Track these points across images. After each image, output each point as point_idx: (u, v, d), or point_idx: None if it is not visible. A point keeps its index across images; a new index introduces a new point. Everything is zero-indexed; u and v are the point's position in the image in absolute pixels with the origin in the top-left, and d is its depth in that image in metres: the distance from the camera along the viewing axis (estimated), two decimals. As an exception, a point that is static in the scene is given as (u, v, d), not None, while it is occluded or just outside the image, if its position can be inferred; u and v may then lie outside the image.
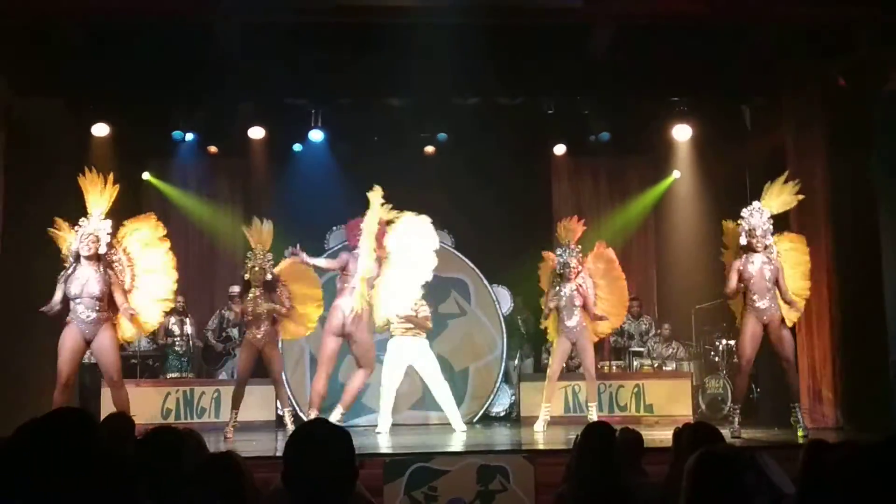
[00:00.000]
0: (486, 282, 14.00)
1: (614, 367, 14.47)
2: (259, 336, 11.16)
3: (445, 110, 13.70)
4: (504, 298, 14.48)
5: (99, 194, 9.90)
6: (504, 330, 14.15)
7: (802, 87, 11.95)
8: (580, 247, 11.87)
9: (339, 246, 12.97)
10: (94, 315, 9.59)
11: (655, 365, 14.25)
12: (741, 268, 10.32)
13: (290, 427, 11.19)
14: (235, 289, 12.79)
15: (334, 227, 14.47)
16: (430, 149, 14.68)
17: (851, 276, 11.32)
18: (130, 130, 13.38)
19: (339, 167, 14.60)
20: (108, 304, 9.73)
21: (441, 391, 11.90)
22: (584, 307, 11.63)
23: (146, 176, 15.15)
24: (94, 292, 9.53)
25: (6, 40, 10.77)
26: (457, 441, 10.68)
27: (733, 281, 10.35)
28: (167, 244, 10.30)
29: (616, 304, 12.11)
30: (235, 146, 14.48)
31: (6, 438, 2.76)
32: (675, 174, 15.60)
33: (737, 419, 10.42)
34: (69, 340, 9.57)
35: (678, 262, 15.53)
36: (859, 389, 11.19)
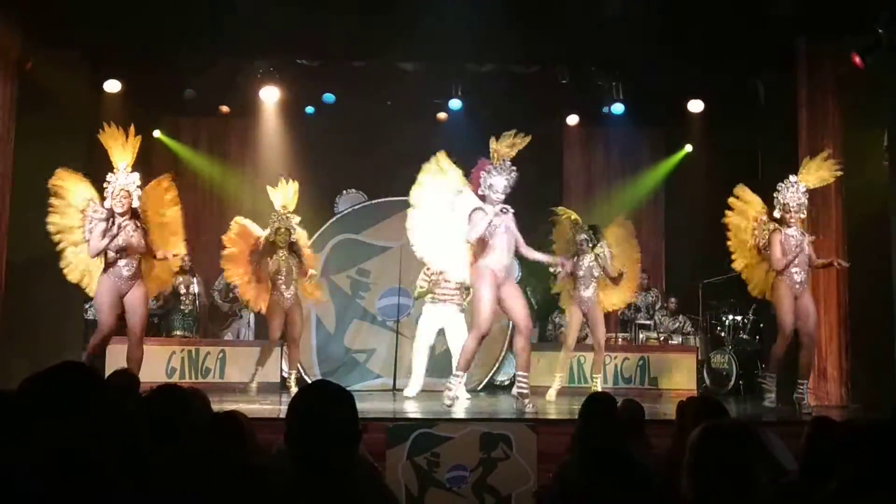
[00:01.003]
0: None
1: (620, 340, 14.48)
2: (287, 297, 11.26)
3: (459, 77, 13.65)
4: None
5: (122, 148, 9.84)
6: (511, 299, 14.12)
7: (817, 64, 11.86)
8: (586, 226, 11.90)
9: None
10: (132, 270, 9.64)
11: (661, 338, 14.26)
12: (783, 240, 10.29)
13: (294, 390, 11.25)
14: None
15: (344, 191, 14.49)
16: (442, 115, 14.64)
17: (860, 254, 11.28)
18: (143, 88, 13.34)
19: (351, 131, 14.57)
20: (140, 262, 9.78)
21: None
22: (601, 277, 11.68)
23: (157, 134, 15.13)
24: (137, 247, 9.60)
25: (21, -7, 10.74)
26: (460, 408, 10.70)
27: (778, 251, 10.27)
28: (178, 205, 10.31)
29: (628, 279, 12.09)
30: (247, 107, 14.44)
31: (11, 391, 2.77)
32: (687, 148, 15.55)
33: (773, 391, 10.48)
34: (107, 296, 9.63)
35: (687, 237, 15.49)
36: (864, 367, 11.18)
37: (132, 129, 9.99)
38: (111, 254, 9.56)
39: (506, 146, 10.29)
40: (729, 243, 10.72)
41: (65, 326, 11.83)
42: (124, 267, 9.60)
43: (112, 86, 12.87)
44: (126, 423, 2.61)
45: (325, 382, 3.21)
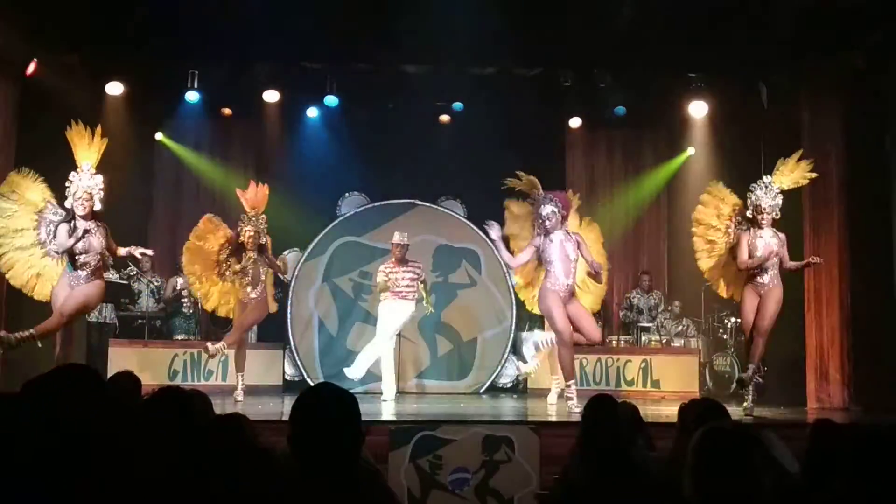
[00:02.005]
0: (497, 253, 13.97)
1: (622, 342, 14.48)
2: (253, 297, 11.14)
3: (462, 79, 13.66)
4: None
5: (87, 147, 9.78)
6: (514, 301, 14.14)
7: (821, 67, 11.87)
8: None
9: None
10: (87, 272, 9.61)
11: (663, 341, 14.26)
12: (750, 242, 10.26)
13: (239, 396, 11.14)
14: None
15: (346, 194, 14.46)
16: (445, 118, 14.64)
17: (862, 256, 11.29)
18: (145, 90, 13.35)
19: (353, 133, 14.58)
20: (102, 262, 9.77)
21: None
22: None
23: (159, 136, 15.13)
24: (95, 249, 9.54)
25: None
26: (463, 410, 10.70)
27: (744, 254, 10.25)
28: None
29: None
30: (250, 109, 14.43)
31: (13, 394, 2.77)
32: (690, 150, 15.54)
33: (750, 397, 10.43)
34: (60, 296, 9.59)
35: (690, 239, 15.45)
36: (867, 370, 11.18)
37: (99, 129, 9.94)
38: (75, 255, 9.55)
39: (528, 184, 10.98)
40: (695, 239, 10.71)
41: (65, 328, 11.81)
42: (81, 268, 9.57)
43: (114, 88, 12.88)
44: (128, 425, 2.61)
45: (328, 385, 3.21)
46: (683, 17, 11.28)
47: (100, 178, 9.67)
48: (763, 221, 10.21)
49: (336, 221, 14.14)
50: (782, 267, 10.29)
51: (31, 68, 11.36)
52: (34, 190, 9.75)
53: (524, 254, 10.84)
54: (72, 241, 9.44)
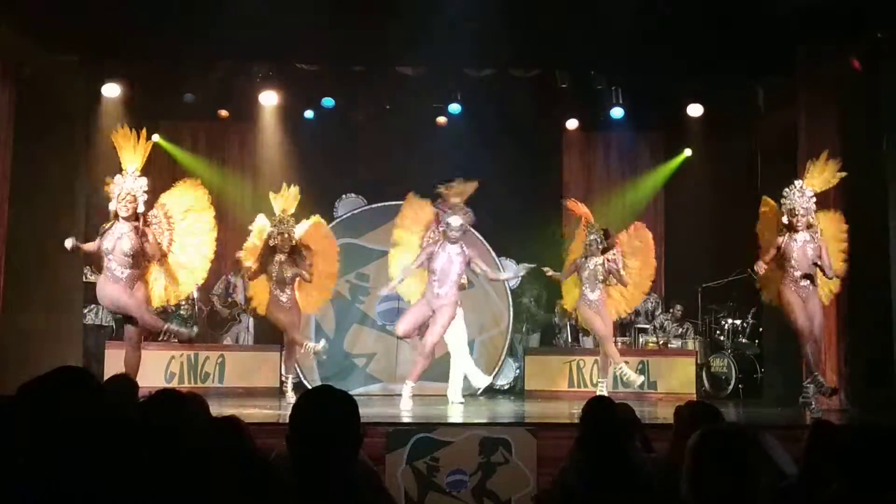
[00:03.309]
0: (493, 254, 13.97)
1: (620, 344, 14.47)
2: (283, 300, 11.20)
3: (458, 81, 13.66)
4: (511, 271, 14.47)
5: (133, 151, 9.75)
6: (511, 303, 14.15)
7: (817, 69, 11.87)
8: (597, 226, 11.80)
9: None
10: (126, 272, 9.52)
11: (661, 342, 14.25)
12: (782, 245, 10.27)
13: (290, 395, 11.23)
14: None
15: (343, 195, 14.48)
16: (441, 119, 14.64)
17: (859, 258, 11.28)
18: (141, 92, 13.34)
19: (350, 135, 14.57)
20: (139, 263, 9.66)
21: (461, 360, 11.94)
22: (608, 280, 11.60)
23: (156, 139, 15.10)
24: (126, 249, 9.45)
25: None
26: (460, 412, 10.70)
27: (769, 256, 10.29)
28: (212, 211, 10.25)
29: (638, 285, 12.05)
30: (247, 111, 14.43)
31: (9, 397, 2.76)
32: (686, 152, 15.55)
33: (812, 391, 10.27)
34: (110, 292, 9.56)
35: (687, 241, 15.50)
36: (864, 372, 11.18)
37: (143, 132, 9.92)
38: (104, 255, 9.54)
39: (454, 194, 11.03)
40: (760, 251, 10.70)
41: (64, 329, 11.83)
42: (116, 268, 9.49)
43: (111, 90, 12.87)
44: (124, 428, 2.61)
45: (328, 387, 3.21)
46: (680, 18, 11.28)
47: (144, 180, 9.61)
48: (798, 225, 10.23)
49: (333, 223, 14.13)
50: (822, 273, 10.32)
51: (27, 69, 11.32)
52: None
53: (417, 260, 11.15)
54: (97, 239, 9.51)
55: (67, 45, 11.71)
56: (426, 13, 10.74)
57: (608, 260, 11.56)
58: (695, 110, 13.95)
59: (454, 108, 14.14)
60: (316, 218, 11.81)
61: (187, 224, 10.05)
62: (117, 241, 9.44)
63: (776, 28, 11.35)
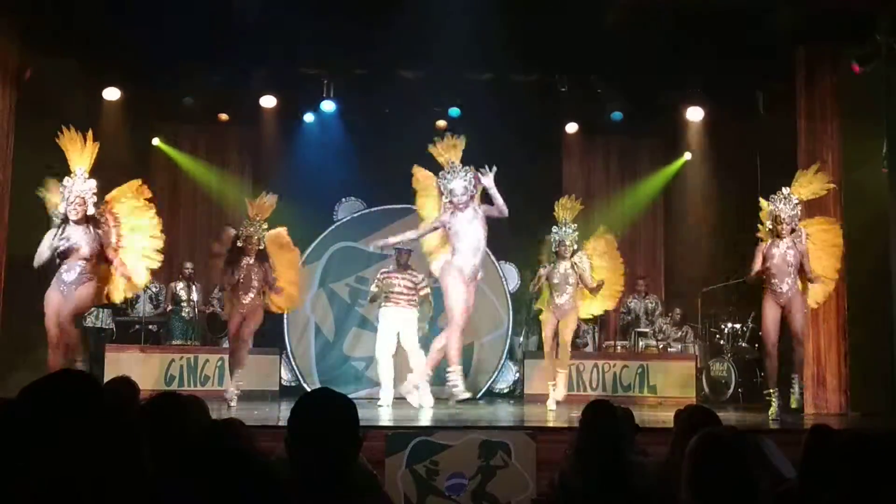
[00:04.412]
0: (493, 258, 13.95)
1: (619, 348, 14.48)
2: (246, 303, 11.00)
3: (459, 85, 13.67)
4: (511, 275, 14.49)
5: (80, 153, 9.72)
6: (510, 307, 14.15)
7: (816, 73, 11.88)
8: (575, 225, 11.79)
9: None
10: (75, 275, 9.45)
11: (661, 346, 14.26)
12: (765, 252, 10.28)
13: (233, 405, 10.90)
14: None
15: (343, 199, 14.48)
16: (441, 123, 14.63)
17: (859, 261, 11.29)
18: (142, 96, 13.36)
19: (350, 139, 14.58)
20: (93, 266, 9.62)
21: (417, 360, 11.73)
22: (579, 284, 11.59)
23: (156, 142, 15.13)
24: (83, 253, 9.43)
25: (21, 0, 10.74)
26: (460, 416, 10.69)
27: (757, 264, 10.31)
28: (153, 209, 10.13)
29: (610, 286, 12.04)
30: (246, 114, 14.44)
31: (10, 400, 2.76)
32: (687, 156, 15.56)
33: (775, 402, 10.30)
34: (52, 302, 9.46)
35: (686, 244, 15.51)
36: (864, 375, 11.18)
37: (90, 133, 9.89)
38: (56, 259, 9.48)
39: (444, 149, 10.98)
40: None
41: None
42: (66, 272, 9.45)
43: (111, 94, 12.89)
44: (125, 431, 2.61)
45: (327, 390, 3.21)
46: (680, 22, 11.30)
47: (93, 182, 9.58)
48: (783, 232, 10.23)
49: (333, 227, 14.16)
50: (802, 275, 10.31)
51: (27, 73, 11.34)
52: (55, 199, 9.71)
53: (422, 229, 10.98)
54: (47, 246, 9.44)
55: (68, 49, 11.72)
56: (426, 17, 10.75)
57: (574, 265, 11.56)
58: (695, 114, 13.96)
59: (454, 111, 14.15)
60: (281, 228, 11.63)
61: (132, 221, 9.99)
62: (71, 245, 9.42)
63: (775, 31, 11.38)
